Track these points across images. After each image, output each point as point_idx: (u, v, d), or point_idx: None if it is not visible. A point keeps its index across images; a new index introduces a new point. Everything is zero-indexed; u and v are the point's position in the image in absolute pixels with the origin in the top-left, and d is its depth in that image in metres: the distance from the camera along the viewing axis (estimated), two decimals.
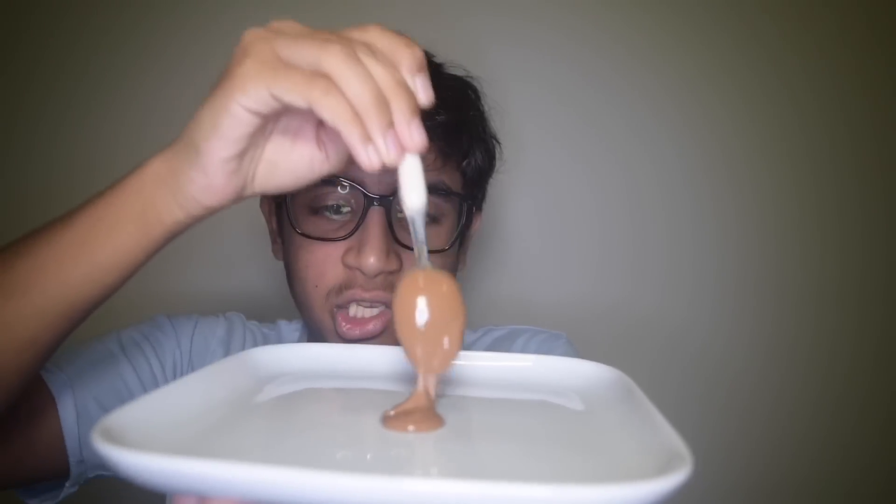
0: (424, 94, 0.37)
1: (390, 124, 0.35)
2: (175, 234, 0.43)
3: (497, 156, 0.72)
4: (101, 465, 0.59)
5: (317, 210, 0.62)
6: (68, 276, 0.41)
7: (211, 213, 0.42)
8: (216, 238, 1.01)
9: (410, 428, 0.37)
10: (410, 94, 0.36)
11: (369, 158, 0.35)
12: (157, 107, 1.01)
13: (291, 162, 0.42)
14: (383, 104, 0.35)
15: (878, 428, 1.02)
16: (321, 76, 0.34)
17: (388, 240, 0.59)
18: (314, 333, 0.68)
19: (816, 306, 1.03)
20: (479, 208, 0.72)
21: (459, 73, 0.69)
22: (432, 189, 0.63)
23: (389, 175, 0.60)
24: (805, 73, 1.01)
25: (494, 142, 0.71)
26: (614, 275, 1.03)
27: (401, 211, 0.63)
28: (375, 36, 0.37)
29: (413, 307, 0.38)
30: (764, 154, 1.02)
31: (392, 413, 0.38)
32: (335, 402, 0.44)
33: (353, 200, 0.62)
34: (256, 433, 0.37)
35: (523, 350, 0.72)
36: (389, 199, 0.60)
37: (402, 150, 0.36)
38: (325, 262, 0.61)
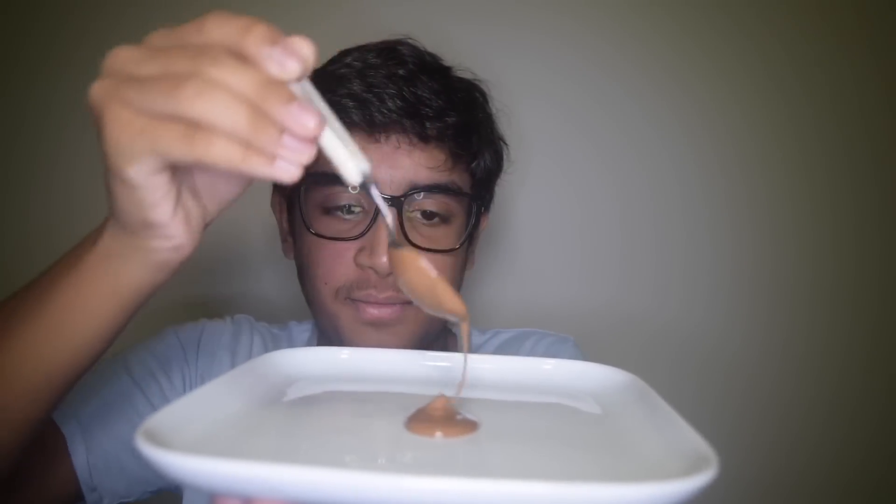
0: (284, 62, 0.32)
1: (280, 130, 0.31)
2: (156, 291, 0.41)
3: (505, 157, 0.72)
4: (115, 492, 0.60)
5: (329, 210, 0.63)
6: (50, 362, 0.41)
7: (186, 260, 0.40)
8: (225, 240, 1.01)
9: (438, 434, 0.37)
10: (278, 87, 0.31)
11: (289, 173, 0.32)
12: None
13: (223, 174, 0.39)
14: (261, 118, 0.31)
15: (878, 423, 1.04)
16: (193, 126, 0.31)
17: (400, 239, 0.60)
18: (325, 333, 0.68)
19: (809, 301, 1.03)
20: (487, 209, 0.73)
21: (467, 76, 0.70)
22: (444, 189, 0.64)
23: (400, 175, 0.61)
24: (797, 72, 1.02)
25: (502, 143, 0.72)
26: (619, 276, 1.04)
27: (411, 210, 0.64)
28: (214, 32, 0.32)
29: (420, 268, 0.41)
30: (782, 156, 1.02)
31: (416, 419, 0.39)
32: (358, 405, 0.44)
33: (364, 201, 0.62)
34: (288, 436, 0.37)
35: (531, 353, 0.73)
36: (401, 199, 0.61)
37: (307, 140, 0.32)
38: (336, 261, 0.62)
